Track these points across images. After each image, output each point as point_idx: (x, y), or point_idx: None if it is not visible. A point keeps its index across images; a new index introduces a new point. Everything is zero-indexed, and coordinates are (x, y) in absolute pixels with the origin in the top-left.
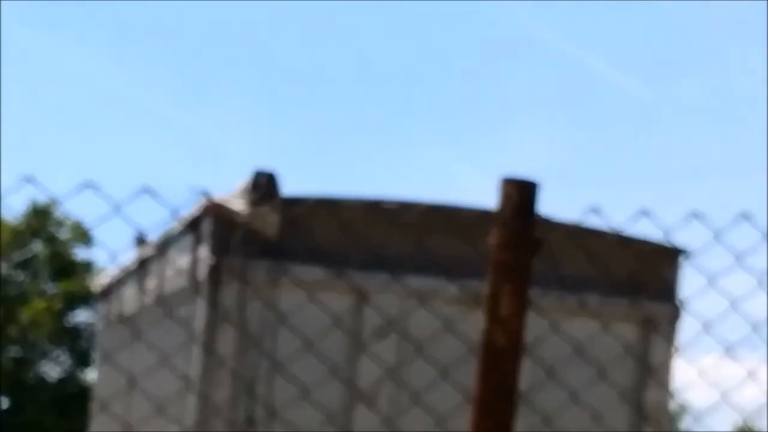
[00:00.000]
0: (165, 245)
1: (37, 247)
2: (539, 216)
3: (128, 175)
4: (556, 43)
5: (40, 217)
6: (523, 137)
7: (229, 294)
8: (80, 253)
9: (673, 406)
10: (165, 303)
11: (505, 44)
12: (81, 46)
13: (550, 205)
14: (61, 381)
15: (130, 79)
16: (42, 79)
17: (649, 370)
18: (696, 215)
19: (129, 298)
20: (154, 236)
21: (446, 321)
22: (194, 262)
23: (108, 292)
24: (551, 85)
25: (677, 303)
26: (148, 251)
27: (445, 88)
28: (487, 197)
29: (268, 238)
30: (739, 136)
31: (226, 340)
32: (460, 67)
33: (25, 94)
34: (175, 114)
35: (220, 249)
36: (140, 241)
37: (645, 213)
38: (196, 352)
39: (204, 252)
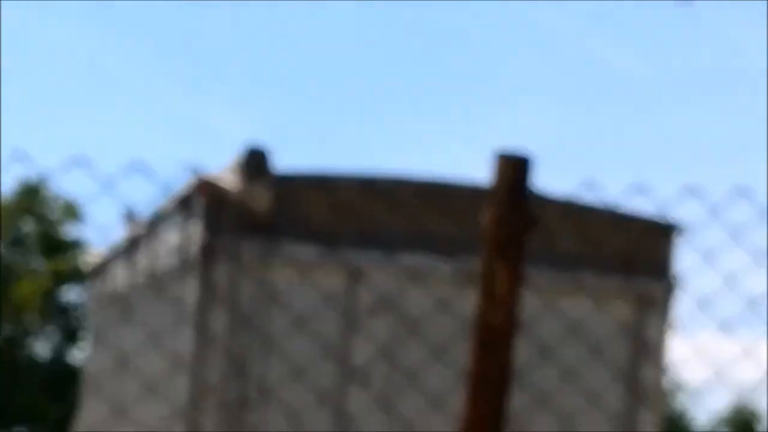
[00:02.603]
0: (156, 223)
1: (28, 225)
2: (533, 193)
3: (119, 153)
4: (553, 21)
5: (31, 195)
6: (518, 114)
7: (221, 272)
8: (71, 231)
9: (667, 383)
10: (156, 281)
11: (500, 23)
12: (73, 24)
13: (545, 182)
14: (52, 360)
15: (122, 58)
16: (33, 57)
17: (643, 347)
18: (692, 191)
19: (120, 276)
20: (145, 214)
21: (440, 299)
22: (186, 240)
23: (99, 270)
24: (547, 62)
25: (672, 280)
26: (139, 229)
27: (441, 66)
28: (481, 174)
29: (260, 215)
30: (738, 112)
31: (218, 319)
32: (455, 45)
33: (17, 72)
34: (166, 92)
35: (211, 227)
36: (131, 218)
37: (640, 189)
38: (188, 331)
39: (195, 230)
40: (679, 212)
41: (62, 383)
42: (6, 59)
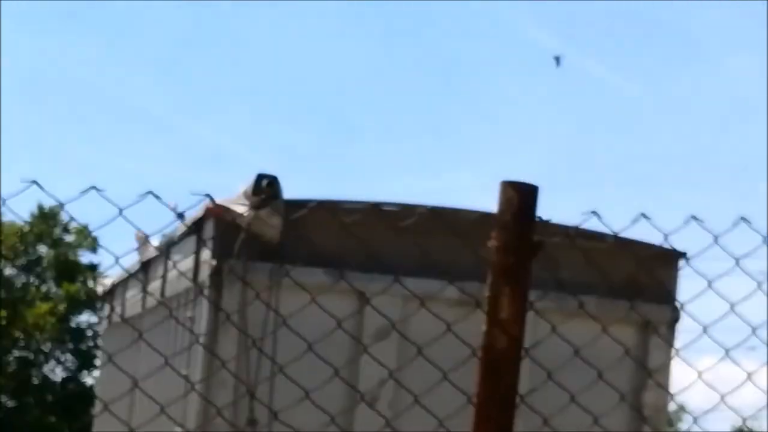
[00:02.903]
0: (168, 248)
1: (43, 249)
2: (539, 219)
3: (132, 179)
4: (555, 48)
5: (46, 221)
6: (523, 141)
7: (231, 296)
8: (85, 256)
9: (671, 408)
10: (167, 305)
11: (507, 51)
12: (87, 53)
13: (550, 209)
14: (65, 382)
15: (135, 85)
16: (48, 86)
17: (648, 372)
18: (695, 219)
19: (132, 300)
20: (157, 239)
21: (446, 324)
22: (197, 265)
23: (111, 294)
24: (551, 90)
25: (676, 306)
26: (151, 254)
27: (449, 94)
28: (486, 201)
29: (269, 240)
30: (738, 139)
31: (228, 342)
32: (465, 74)
33: (32, 100)
34: (178, 119)
35: (222, 251)
36: (143, 243)
37: (644, 216)
38: (199, 354)
39: (206, 254)
40: (682, 239)
41: (74, 405)
42: (23, 89)
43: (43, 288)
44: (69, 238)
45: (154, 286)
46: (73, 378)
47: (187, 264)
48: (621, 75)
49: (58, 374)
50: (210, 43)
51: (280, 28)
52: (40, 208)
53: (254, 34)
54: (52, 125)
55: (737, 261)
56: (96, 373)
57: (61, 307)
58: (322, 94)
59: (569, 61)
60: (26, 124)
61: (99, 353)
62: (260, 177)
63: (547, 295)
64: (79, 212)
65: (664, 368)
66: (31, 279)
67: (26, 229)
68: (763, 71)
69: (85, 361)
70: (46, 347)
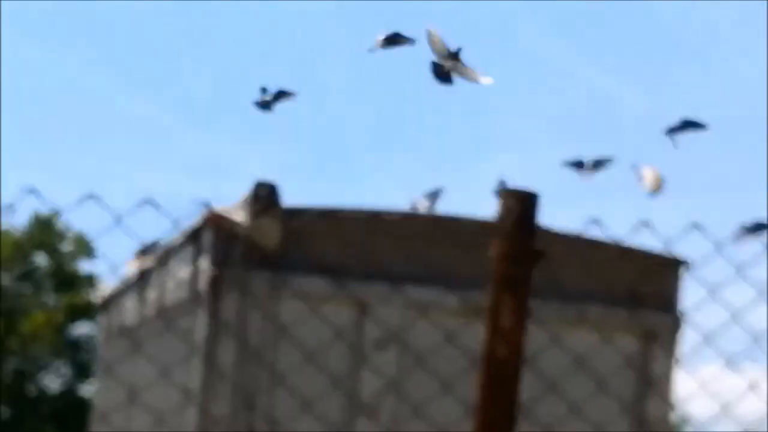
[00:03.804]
0: (166, 257)
1: (39, 259)
2: (540, 227)
3: (130, 187)
4: (557, 56)
5: (43, 229)
6: (523, 149)
7: (230, 305)
8: (82, 266)
9: (674, 417)
10: (165, 314)
11: (504, 58)
12: (83, 61)
13: (551, 217)
14: (62, 393)
15: (133, 94)
16: (43, 92)
17: (649, 381)
18: (696, 227)
19: (129, 309)
20: (155, 248)
21: (447, 333)
22: (195, 274)
23: (109, 303)
24: (550, 97)
25: (678, 314)
26: (148, 263)
27: (447, 102)
28: (486, 209)
29: (268, 249)
30: (741, 148)
31: (227, 352)
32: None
33: (27, 107)
34: (176, 128)
35: (220, 260)
36: (142, 252)
37: (645, 224)
38: (197, 364)
39: (204, 263)
40: (684, 247)
41: (72, 416)
42: (18, 96)
43: (40, 298)
44: (66, 247)
45: (152, 295)
46: (70, 389)
47: (185, 273)
48: (623, 82)
49: (54, 385)
50: (209, 51)
51: (280, 33)
52: (37, 216)
53: (251, 41)
54: (49, 134)
55: (738, 269)
56: (93, 383)
57: (59, 317)
58: (323, 103)
59: (566, 65)
60: (22, 132)
61: (96, 363)
62: (259, 185)
63: (548, 304)
64: (77, 221)
65: (667, 377)
66: (28, 289)
67: (23, 238)
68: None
69: (83, 373)
70: (43, 358)
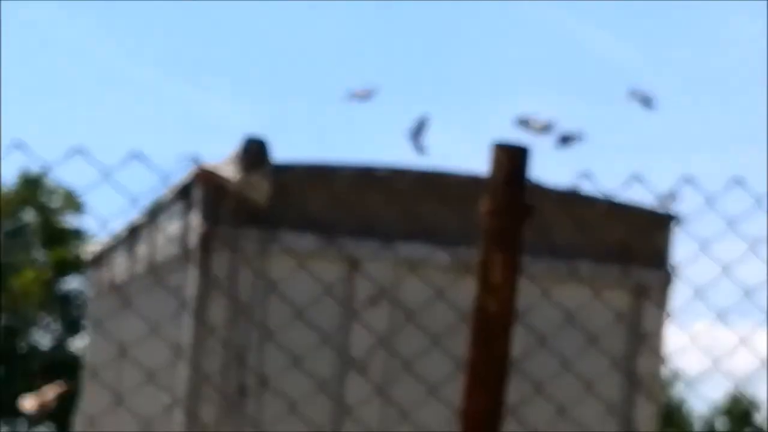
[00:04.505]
0: (155, 212)
1: (28, 215)
2: (530, 183)
3: (119, 143)
4: (551, 12)
5: (31, 186)
6: (515, 105)
7: (220, 262)
8: (71, 221)
9: (665, 372)
10: (156, 271)
11: (497, 14)
12: (72, 16)
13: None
14: (53, 349)
15: (121, 49)
16: (32, 49)
17: (641, 337)
18: (688, 181)
19: (120, 265)
20: (144, 203)
21: (438, 289)
22: (185, 230)
23: (99, 259)
24: (544, 54)
25: (669, 269)
26: (138, 218)
27: (436, 57)
28: (478, 164)
29: (258, 205)
30: (735, 106)
31: (217, 309)
32: (451, 36)
33: (16, 63)
34: (165, 83)
35: (210, 216)
36: (132, 207)
37: (637, 179)
38: (187, 321)
39: (195, 219)
40: (675, 202)
41: (63, 372)
42: (5, 52)
43: (30, 254)
44: (55, 202)
45: (142, 251)
46: (60, 345)
47: (175, 229)
48: (618, 40)
49: (45, 341)
50: (199, 8)
51: None
52: (25, 173)
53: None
54: (37, 90)
55: (729, 223)
56: (84, 339)
57: (48, 273)
58: (312, 58)
59: (565, 27)
60: (10, 88)
61: (86, 320)
62: (249, 141)
63: (539, 260)
64: (65, 177)
65: (658, 333)
66: (17, 245)
67: (11, 194)
68: (763, 36)
69: (73, 328)
70: (33, 314)
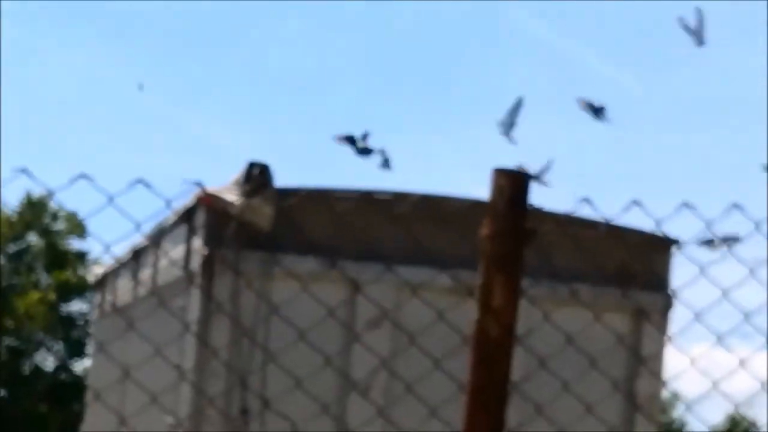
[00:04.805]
0: (159, 236)
1: (32, 238)
2: (531, 207)
3: (123, 168)
4: (551, 38)
5: (35, 209)
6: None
7: (223, 285)
8: (75, 245)
9: (665, 395)
10: (159, 294)
11: (499, 39)
12: (76, 43)
13: (542, 197)
14: (56, 371)
15: (126, 76)
16: (37, 75)
17: (641, 359)
18: (687, 206)
19: (123, 288)
20: (148, 228)
21: (439, 312)
22: (188, 253)
23: (102, 282)
24: (544, 79)
25: (669, 293)
26: (142, 242)
27: (438, 82)
28: (479, 189)
29: (261, 229)
30: (733, 133)
31: (220, 331)
32: (453, 61)
33: (21, 90)
34: (169, 109)
35: (213, 240)
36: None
37: (636, 204)
38: (190, 343)
39: (197, 243)
40: (675, 227)
41: (66, 394)
42: (13, 77)
43: (34, 277)
44: (58, 226)
45: (146, 274)
46: (64, 367)
47: (178, 253)
48: (617, 66)
49: (49, 363)
50: (202, 34)
51: (274, 18)
52: (29, 196)
53: (246, 23)
54: (42, 115)
55: (729, 247)
56: (87, 362)
57: (52, 295)
58: (316, 84)
59: (565, 52)
60: (15, 114)
61: (90, 342)
62: (251, 165)
63: (540, 283)
64: (69, 201)
65: (657, 356)
66: (21, 268)
67: (15, 218)
68: (763, 65)
69: (76, 350)
70: (37, 336)
